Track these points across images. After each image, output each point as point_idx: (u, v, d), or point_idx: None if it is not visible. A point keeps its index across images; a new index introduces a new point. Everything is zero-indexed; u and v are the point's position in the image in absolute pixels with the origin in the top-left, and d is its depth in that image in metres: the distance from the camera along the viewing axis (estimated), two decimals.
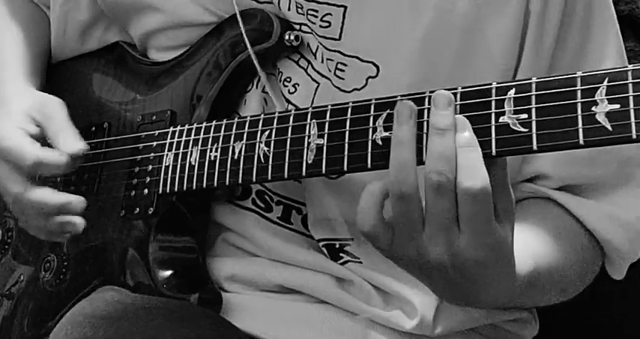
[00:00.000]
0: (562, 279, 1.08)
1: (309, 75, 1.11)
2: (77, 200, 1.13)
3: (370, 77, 1.07)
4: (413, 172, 0.89)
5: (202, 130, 1.11)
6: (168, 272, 1.14)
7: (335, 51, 1.09)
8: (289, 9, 1.10)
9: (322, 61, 1.10)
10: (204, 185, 1.09)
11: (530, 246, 1.02)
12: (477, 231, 0.89)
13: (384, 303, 1.12)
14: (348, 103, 0.99)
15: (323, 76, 1.10)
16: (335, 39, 1.08)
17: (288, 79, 1.12)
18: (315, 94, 1.10)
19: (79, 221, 1.13)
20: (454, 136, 0.88)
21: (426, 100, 0.94)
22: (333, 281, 1.13)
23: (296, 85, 1.11)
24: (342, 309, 1.12)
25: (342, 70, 1.08)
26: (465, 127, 0.89)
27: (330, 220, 1.11)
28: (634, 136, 0.82)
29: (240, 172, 1.06)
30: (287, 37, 1.10)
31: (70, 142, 1.14)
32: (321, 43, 1.09)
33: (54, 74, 1.34)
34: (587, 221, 1.10)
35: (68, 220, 1.13)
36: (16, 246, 1.33)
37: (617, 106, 0.83)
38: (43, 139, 1.16)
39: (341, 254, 1.12)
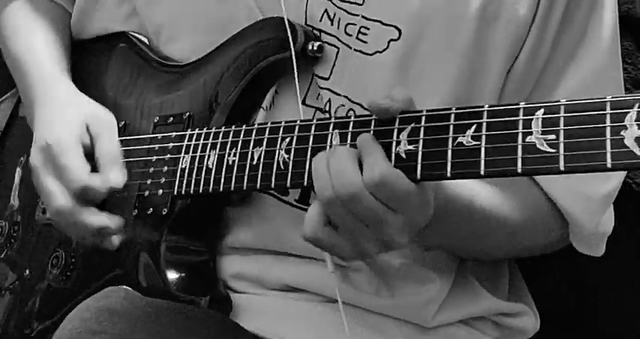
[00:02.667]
0: (506, 222, 1.11)
1: (325, 42, 1.13)
2: (116, 224, 1.16)
3: (392, 40, 1.10)
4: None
5: (221, 135, 1.11)
6: (179, 274, 1.14)
7: (357, 15, 1.11)
8: None
9: (338, 27, 1.12)
10: (221, 188, 1.09)
11: (472, 188, 1.07)
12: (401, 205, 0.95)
13: (391, 292, 1.14)
14: (370, 115, 1.00)
15: (340, 41, 1.12)
16: (358, 4, 1.12)
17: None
18: (336, 58, 1.12)
19: (116, 242, 1.16)
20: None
21: (452, 116, 0.95)
22: (340, 277, 1.14)
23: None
24: (349, 305, 1.13)
25: (365, 34, 1.11)
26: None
27: None
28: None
29: (259, 177, 1.06)
30: (310, 47, 1.11)
31: (114, 175, 1.17)
32: (341, 8, 1.12)
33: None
34: (550, 191, 1.14)
35: (108, 240, 1.16)
36: (22, 240, 1.33)
37: None
38: (91, 151, 1.19)
39: None
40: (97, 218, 1.15)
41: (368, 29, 1.11)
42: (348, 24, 1.12)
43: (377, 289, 1.14)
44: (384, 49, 1.11)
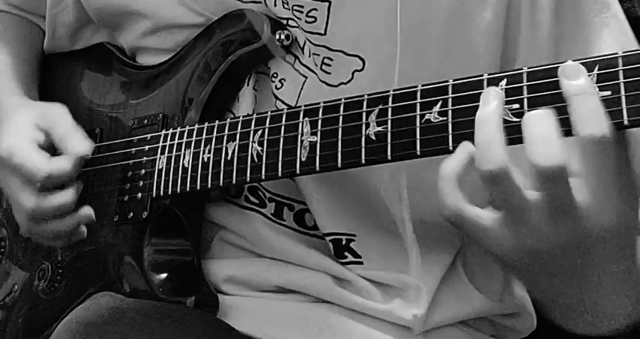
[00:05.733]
0: None
1: (296, 70, 1.11)
2: (78, 185, 1.17)
3: (356, 71, 1.08)
4: (499, 148, 0.84)
5: (195, 132, 1.11)
6: (164, 276, 1.13)
7: (321, 46, 1.09)
8: (275, 5, 1.11)
9: (310, 56, 1.10)
10: (198, 187, 1.09)
11: None
12: (600, 189, 0.83)
13: (383, 297, 1.13)
14: (340, 99, 0.99)
15: (310, 70, 1.11)
16: (320, 34, 1.09)
17: (275, 75, 1.12)
18: (302, 88, 1.11)
19: (89, 211, 1.17)
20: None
21: (418, 94, 0.94)
22: (331, 279, 1.13)
23: (282, 81, 1.12)
24: (341, 307, 1.13)
25: (329, 65, 1.09)
26: (578, 74, 0.84)
27: (333, 215, 1.11)
28: (626, 123, 0.83)
29: (234, 172, 1.06)
30: (278, 36, 1.11)
31: (77, 144, 1.16)
32: (307, 38, 1.10)
33: (43, 81, 1.35)
34: None
35: (81, 214, 1.17)
36: (9, 255, 1.33)
37: (609, 92, 0.83)
38: (51, 147, 1.19)
39: (346, 253, 1.12)
40: (69, 192, 1.16)
41: (331, 60, 1.09)
42: (314, 54, 1.09)
43: (372, 294, 1.13)
44: (349, 81, 1.08)
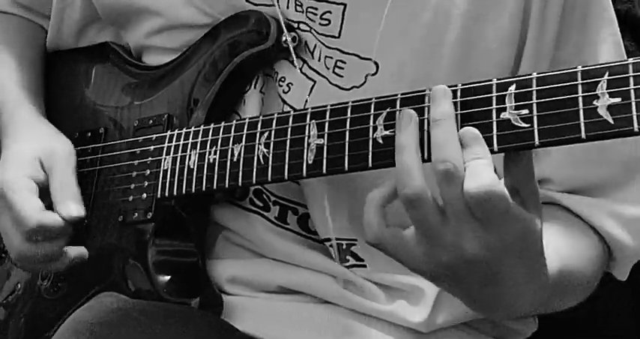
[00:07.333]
0: (582, 279, 1.06)
1: (303, 73, 1.11)
2: (78, 251, 1.17)
3: (369, 74, 1.08)
4: (418, 174, 0.88)
5: (200, 133, 1.11)
6: (168, 277, 1.13)
7: (334, 49, 1.09)
8: (288, 7, 1.11)
9: (319, 60, 1.10)
10: (204, 188, 1.09)
11: (553, 246, 0.98)
12: (495, 223, 0.87)
13: (386, 298, 1.13)
14: (347, 102, 0.99)
15: (319, 74, 1.10)
16: (334, 37, 1.09)
17: (283, 79, 1.12)
18: (310, 92, 1.10)
19: (80, 252, 1.17)
20: (453, 124, 0.88)
21: (426, 98, 0.94)
22: (334, 280, 1.13)
23: (290, 85, 1.12)
24: (345, 308, 1.13)
25: (341, 68, 1.09)
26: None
27: (333, 221, 1.11)
28: (636, 130, 0.83)
29: (240, 174, 1.06)
30: (284, 38, 1.10)
31: (69, 208, 1.15)
32: (320, 41, 1.10)
33: (46, 80, 1.35)
34: (592, 219, 1.09)
35: (72, 256, 1.17)
36: None
37: (619, 99, 0.83)
38: (46, 188, 1.17)
39: (347, 257, 1.12)
40: (55, 244, 1.16)
41: (344, 63, 1.09)
42: (326, 57, 1.09)
43: (375, 296, 1.13)
44: (362, 84, 1.08)
